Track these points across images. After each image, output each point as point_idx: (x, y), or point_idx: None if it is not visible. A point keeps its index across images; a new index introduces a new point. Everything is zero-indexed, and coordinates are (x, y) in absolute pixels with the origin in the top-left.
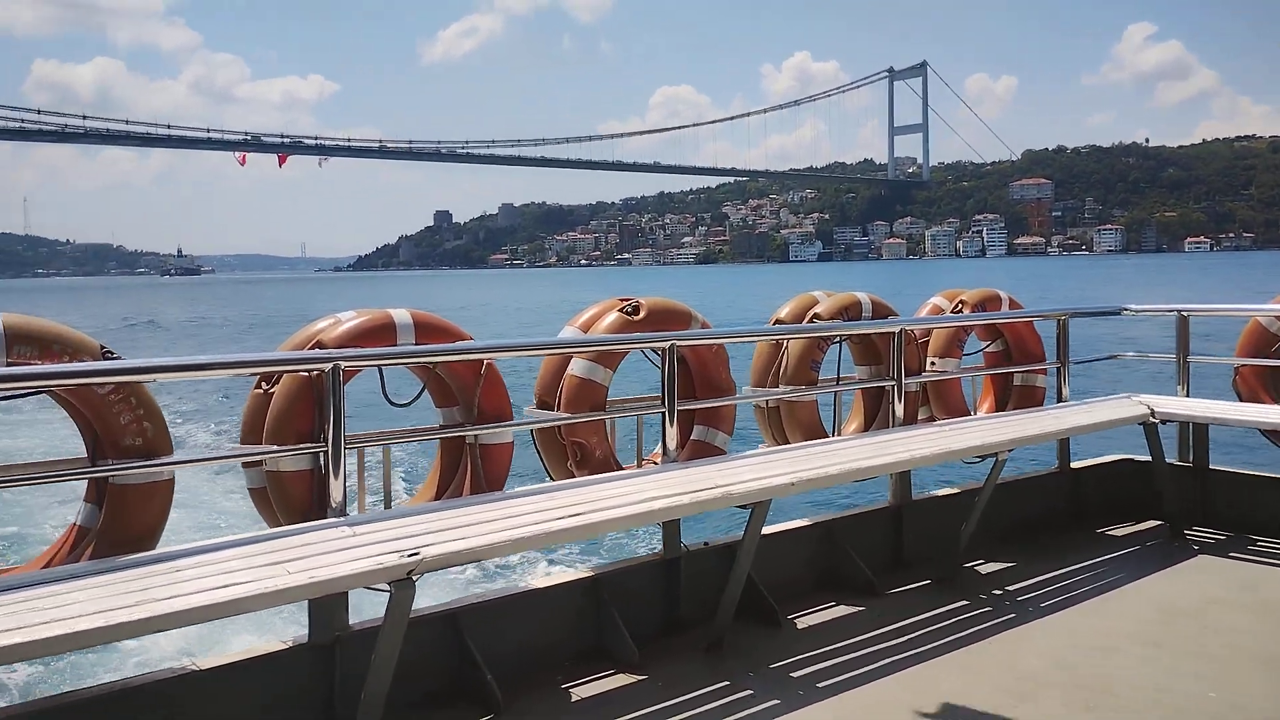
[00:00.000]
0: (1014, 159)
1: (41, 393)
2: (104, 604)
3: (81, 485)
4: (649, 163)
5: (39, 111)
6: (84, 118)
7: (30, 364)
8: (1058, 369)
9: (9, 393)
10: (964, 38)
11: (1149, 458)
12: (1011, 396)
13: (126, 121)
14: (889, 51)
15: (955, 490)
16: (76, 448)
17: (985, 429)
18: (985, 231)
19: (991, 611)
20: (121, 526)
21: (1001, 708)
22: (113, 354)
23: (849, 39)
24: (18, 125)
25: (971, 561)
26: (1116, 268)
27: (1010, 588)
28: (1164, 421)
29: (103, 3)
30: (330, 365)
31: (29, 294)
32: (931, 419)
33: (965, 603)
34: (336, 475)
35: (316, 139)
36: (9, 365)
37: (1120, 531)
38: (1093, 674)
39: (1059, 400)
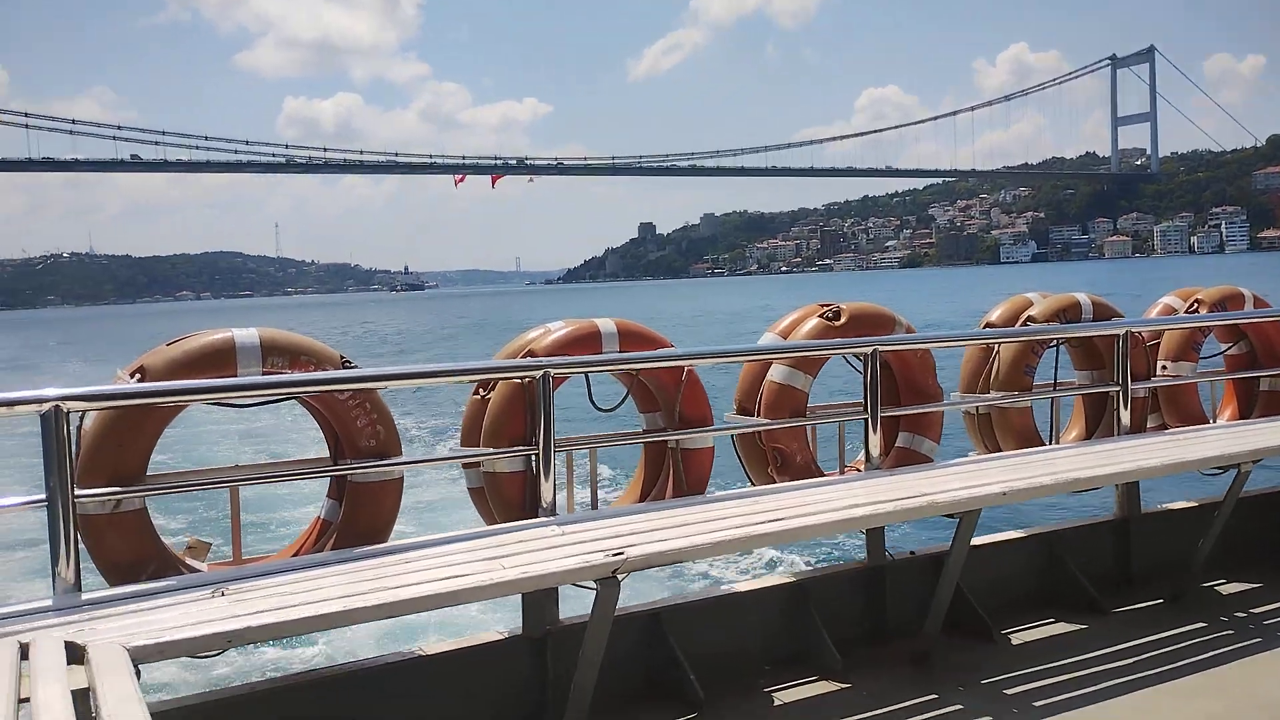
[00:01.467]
0: (1258, 145)
1: (292, 398)
2: (345, 590)
3: (325, 482)
4: (845, 167)
5: (287, 146)
6: (325, 150)
7: (281, 373)
8: None
9: (265, 398)
10: (1203, 16)
11: None
12: (1258, 404)
13: (361, 152)
14: (1116, 37)
15: (1191, 504)
16: (321, 449)
17: (1225, 438)
18: (1224, 225)
19: (1233, 635)
20: (359, 520)
21: None
22: (351, 363)
23: (1072, 26)
24: (268, 159)
25: (1210, 582)
26: None
27: (1255, 610)
28: None
29: (343, 43)
30: (541, 373)
31: (282, 310)
32: (1163, 427)
33: (1202, 624)
34: (547, 477)
35: (525, 159)
36: (264, 374)
37: None
38: None
39: None
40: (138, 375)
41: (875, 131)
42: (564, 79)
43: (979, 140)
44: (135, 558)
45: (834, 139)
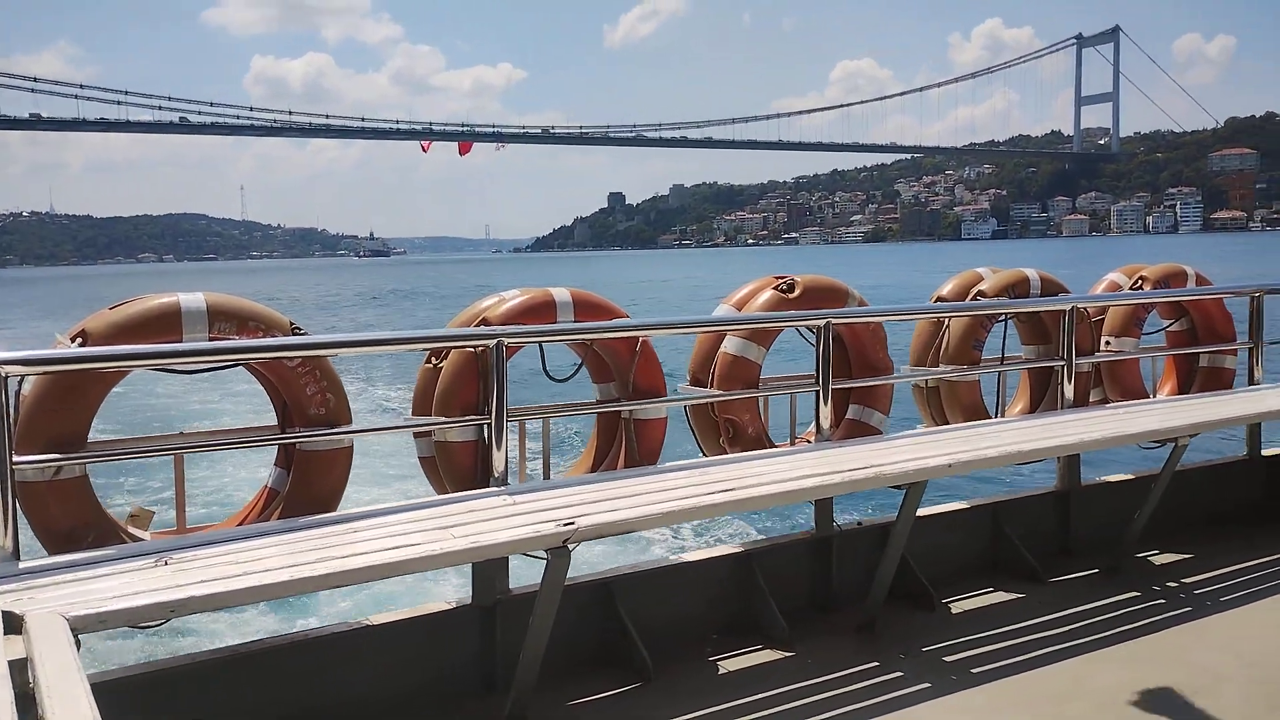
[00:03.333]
0: (1216, 127)
1: (238, 365)
2: (291, 559)
3: (272, 451)
4: (814, 141)
5: (251, 109)
6: (290, 113)
7: (229, 339)
8: (1250, 349)
9: (211, 364)
10: None
11: None
12: (1196, 379)
13: (328, 116)
14: (1092, 13)
15: (1130, 476)
16: (270, 417)
17: (1164, 412)
18: (1179, 205)
19: (1165, 604)
20: (307, 489)
21: (1172, 702)
22: (300, 330)
23: (1048, 2)
24: (232, 120)
25: (1145, 552)
26: None
27: (1188, 580)
28: None
29: (314, 2)
30: (494, 341)
31: (246, 275)
32: (1105, 401)
33: (1136, 594)
34: (499, 446)
35: (494, 126)
36: (211, 340)
37: None
38: (1277, 672)
39: (1251, 383)
40: (79, 339)
41: (847, 105)
42: (539, 44)
43: (949, 116)
44: (75, 526)
45: (805, 112)
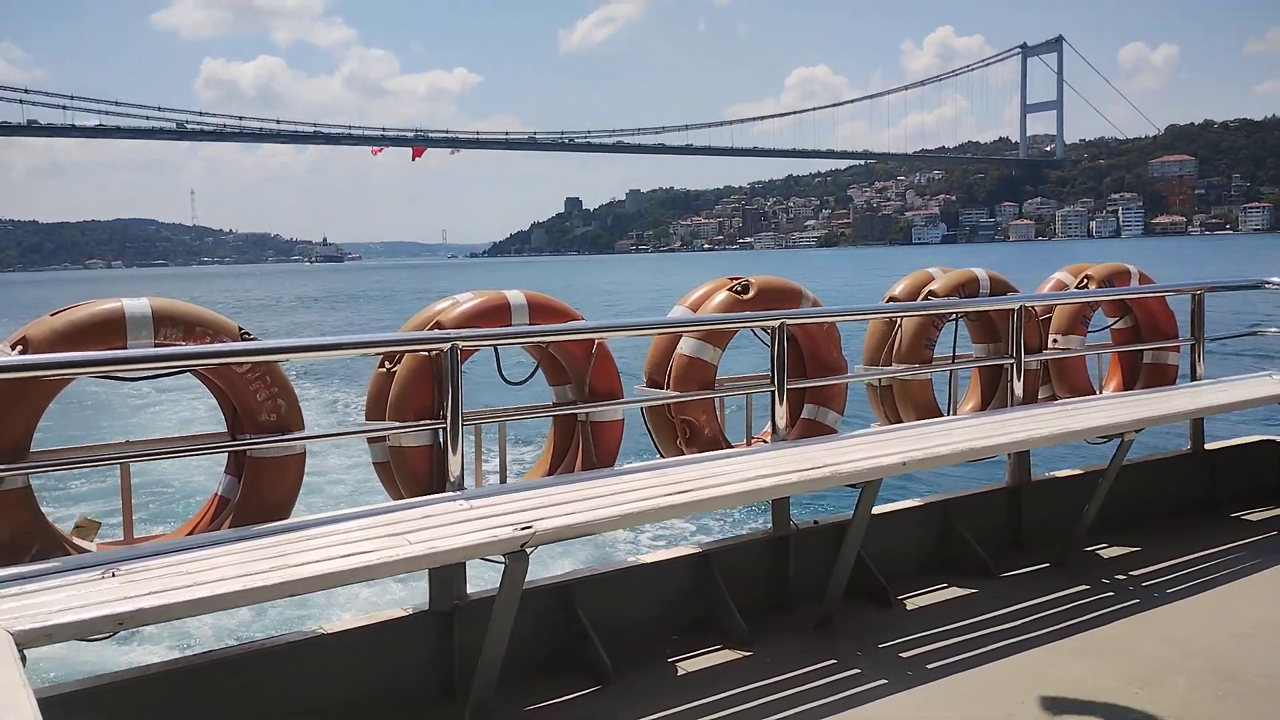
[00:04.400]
0: (1156, 135)
1: (185, 371)
2: (243, 569)
3: (223, 458)
4: (769, 148)
5: (200, 113)
6: (240, 118)
7: (175, 345)
8: (1192, 346)
9: (156, 371)
10: (1121, 4)
11: None
12: (1141, 375)
13: (278, 121)
14: (1037, 23)
15: (1078, 471)
16: (219, 424)
17: (1110, 408)
18: (1121, 211)
19: (1114, 596)
20: (258, 497)
21: (1122, 693)
22: (250, 335)
23: (996, 12)
24: (177, 126)
25: (1094, 545)
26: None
27: (1135, 572)
28: None
29: (266, 5)
30: (449, 345)
31: (195, 280)
32: (1053, 398)
33: (1086, 587)
34: (455, 451)
35: (447, 132)
36: (156, 346)
37: (1257, 516)
38: (1224, 661)
39: (1193, 379)
40: (20, 347)
41: (802, 111)
42: (495, 49)
43: (901, 123)
44: (18, 538)
45: (760, 118)
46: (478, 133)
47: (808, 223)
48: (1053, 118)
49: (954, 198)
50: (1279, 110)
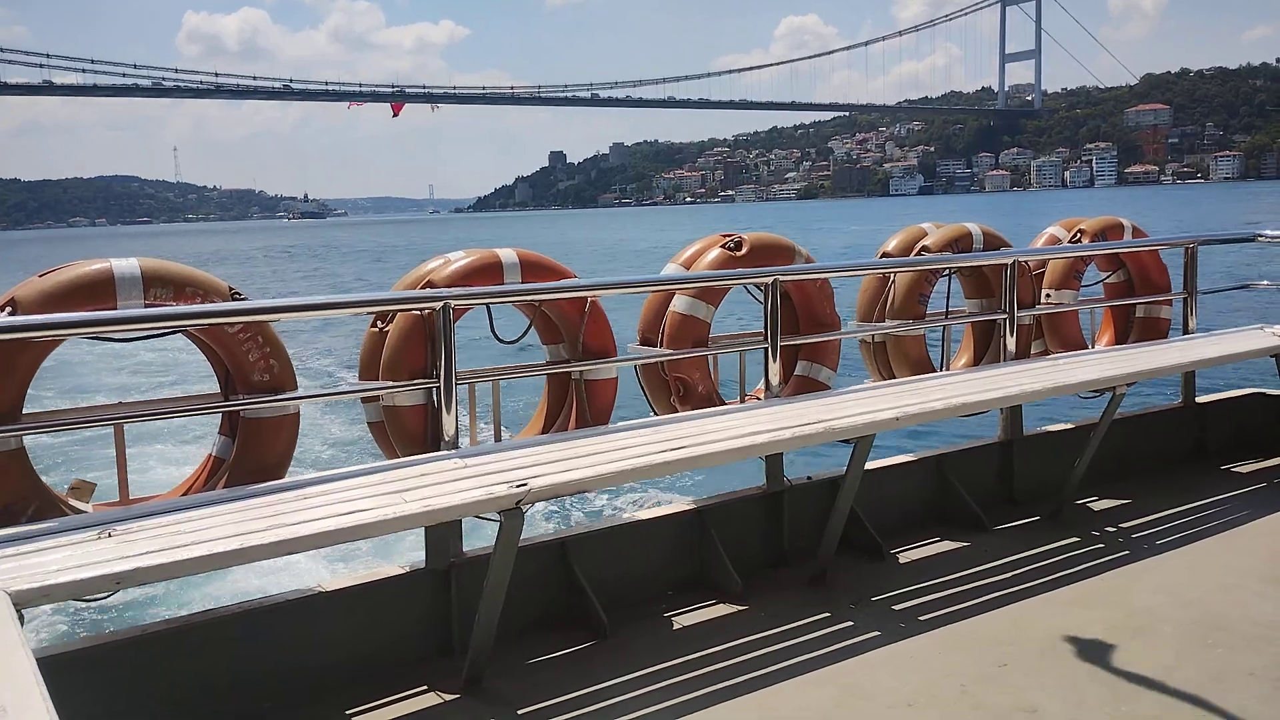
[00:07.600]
0: (1133, 84)
1: (177, 332)
2: (239, 528)
3: (216, 419)
4: (750, 100)
5: (176, 70)
6: (216, 75)
7: (166, 305)
8: (1184, 300)
9: (147, 332)
10: None
11: None
12: (1133, 329)
13: (254, 78)
14: None
15: (1070, 426)
16: (212, 385)
17: (1102, 362)
18: (1095, 161)
19: (1104, 548)
20: (253, 457)
21: (1113, 642)
22: (240, 295)
23: None
24: (153, 84)
25: (1085, 498)
26: (1236, 191)
27: (1125, 525)
28: None
29: None
30: (441, 304)
31: (179, 238)
32: (1046, 353)
33: (1076, 539)
34: (449, 410)
35: (424, 87)
36: (147, 306)
37: (1247, 468)
38: (1212, 610)
39: (1185, 333)
40: (9, 309)
41: (790, 61)
42: (482, 2)
43: (893, 71)
44: (13, 500)
45: (747, 69)
46: (454, 87)
47: (788, 175)
48: (1032, 67)
49: (932, 149)
50: (1268, 57)
